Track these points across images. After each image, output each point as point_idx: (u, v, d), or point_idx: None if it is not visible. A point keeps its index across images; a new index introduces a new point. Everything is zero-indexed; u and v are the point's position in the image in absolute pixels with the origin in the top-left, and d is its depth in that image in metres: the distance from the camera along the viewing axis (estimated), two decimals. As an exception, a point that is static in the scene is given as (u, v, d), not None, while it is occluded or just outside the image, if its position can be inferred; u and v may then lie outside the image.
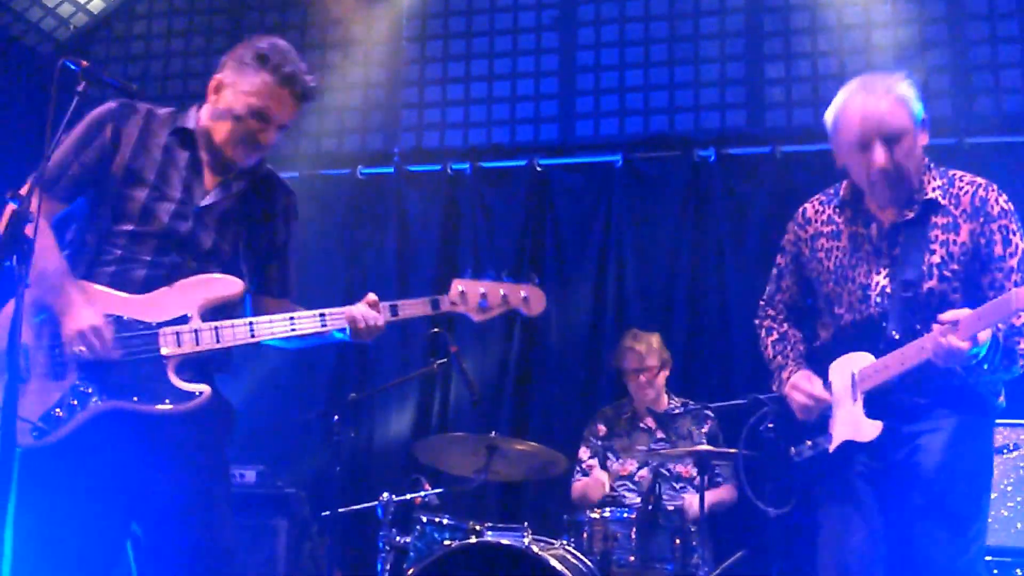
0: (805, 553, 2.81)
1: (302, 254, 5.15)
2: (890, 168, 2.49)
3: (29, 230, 2.03)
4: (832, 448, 2.60)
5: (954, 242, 2.51)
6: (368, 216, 5.46)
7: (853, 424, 2.56)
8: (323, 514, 3.93)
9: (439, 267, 5.28)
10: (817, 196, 2.80)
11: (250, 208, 2.59)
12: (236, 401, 4.93)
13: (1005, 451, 3.95)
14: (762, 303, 2.94)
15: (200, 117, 2.56)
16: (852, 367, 2.58)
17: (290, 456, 4.99)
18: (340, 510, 3.83)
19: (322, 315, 2.52)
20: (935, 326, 2.32)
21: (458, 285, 2.60)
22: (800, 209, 2.81)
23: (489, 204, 5.32)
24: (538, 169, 5.27)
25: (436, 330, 4.13)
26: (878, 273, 2.59)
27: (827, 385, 2.67)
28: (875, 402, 2.52)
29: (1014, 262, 2.47)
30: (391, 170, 5.45)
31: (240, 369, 4.97)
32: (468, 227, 5.32)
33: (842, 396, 2.61)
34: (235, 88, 2.49)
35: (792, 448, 2.71)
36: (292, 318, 2.50)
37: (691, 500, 4.01)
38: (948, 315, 2.30)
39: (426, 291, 5.25)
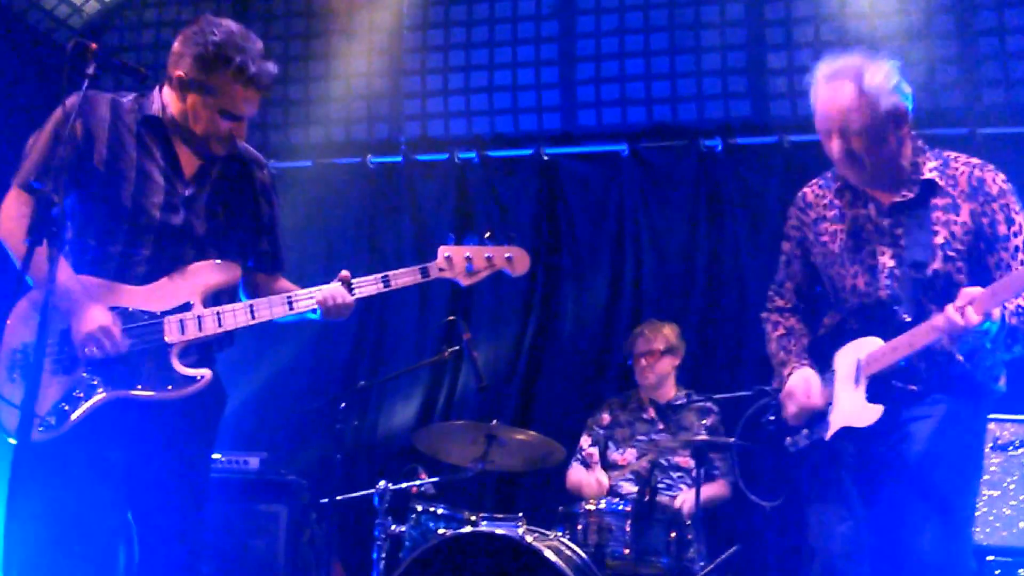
0: (799, 548, 2.79)
1: (324, 244, 5.26)
2: (844, 158, 2.52)
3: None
4: (829, 435, 2.59)
5: (955, 222, 2.50)
6: (383, 205, 5.48)
7: (853, 409, 2.55)
8: (321, 501, 3.95)
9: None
10: (815, 180, 2.80)
11: (231, 188, 2.65)
12: (249, 389, 5.05)
13: (1011, 448, 3.89)
14: (771, 292, 2.92)
15: (166, 103, 2.57)
16: (858, 353, 2.57)
17: (295, 443, 5.03)
18: (338, 498, 3.84)
19: (311, 294, 2.61)
20: (948, 306, 2.29)
21: (444, 251, 2.68)
22: (800, 194, 2.81)
23: (500, 194, 5.32)
24: (545, 158, 5.24)
25: (451, 318, 4.15)
26: (883, 254, 2.58)
27: (831, 372, 2.65)
28: (878, 387, 2.51)
29: (1019, 241, 2.47)
30: (400, 159, 5.45)
31: (255, 357, 5.05)
32: (482, 217, 5.31)
33: (844, 383, 2.60)
34: (201, 89, 2.50)
35: (788, 437, 2.70)
36: (289, 297, 2.59)
37: (684, 499, 3.99)
38: (964, 293, 2.28)
39: (447, 283, 5.27)
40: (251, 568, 4.20)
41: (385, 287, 2.64)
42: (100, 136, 2.51)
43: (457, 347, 3.94)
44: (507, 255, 2.69)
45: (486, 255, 2.68)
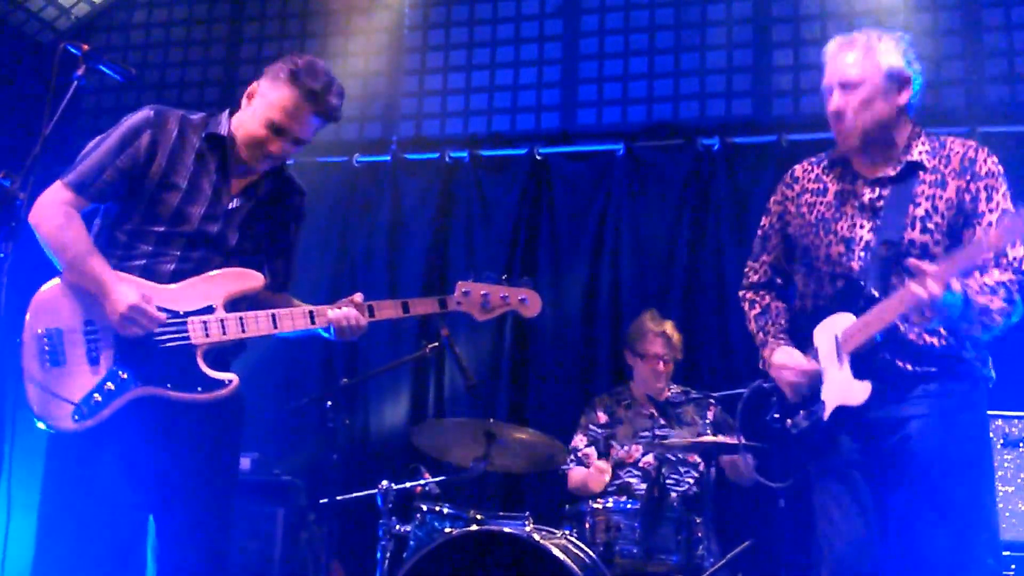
0: (810, 544, 2.73)
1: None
2: (835, 111, 2.56)
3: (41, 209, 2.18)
4: (827, 415, 2.55)
5: (940, 197, 2.51)
6: (362, 205, 5.39)
7: (842, 388, 2.52)
8: (321, 502, 3.85)
9: (431, 257, 5.21)
10: (808, 159, 2.82)
11: (270, 209, 2.75)
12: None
13: (1021, 444, 3.88)
14: (747, 269, 2.91)
15: (232, 123, 2.68)
16: (835, 329, 2.55)
17: (284, 443, 4.92)
18: (338, 498, 3.76)
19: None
20: (910, 280, 2.29)
21: (462, 287, 2.79)
22: (790, 170, 2.83)
23: (486, 193, 5.26)
24: (538, 158, 5.20)
25: None
26: (862, 228, 2.58)
27: (812, 350, 2.63)
28: (862, 363, 2.48)
29: (993, 218, 2.46)
30: (387, 158, 5.38)
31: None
32: (463, 216, 5.25)
33: (828, 361, 2.58)
34: (263, 98, 2.62)
35: (789, 420, 2.66)
36: (311, 311, 2.64)
37: (731, 459, 3.98)
38: (922, 264, 2.27)
39: (416, 281, 5.27)
40: (248, 570, 4.10)
41: (405, 313, 2.72)
42: (163, 149, 2.58)
43: (436, 343, 3.88)
44: (521, 297, 2.81)
45: (502, 295, 2.78)
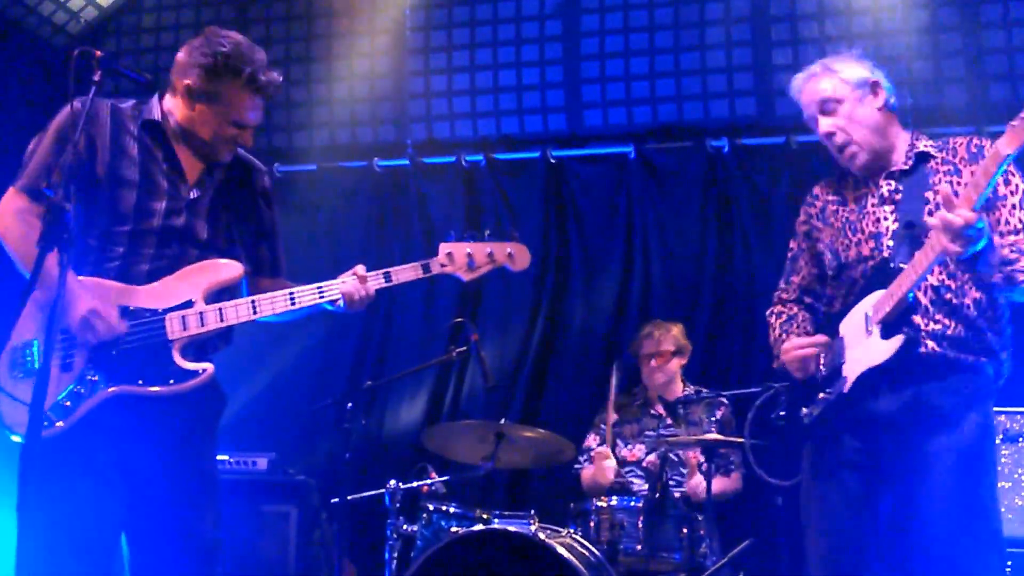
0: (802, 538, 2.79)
1: (330, 248, 5.25)
2: (825, 133, 2.69)
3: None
4: (848, 387, 2.59)
5: (958, 183, 2.58)
6: (390, 209, 5.46)
7: (868, 353, 2.55)
8: (332, 501, 3.94)
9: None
10: (823, 180, 2.91)
11: (233, 194, 2.69)
12: (254, 389, 5.03)
13: (1020, 440, 3.90)
14: (777, 291, 2.97)
15: (168, 109, 2.60)
16: (864, 308, 2.61)
17: (302, 443, 5.01)
18: (348, 497, 3.83)
19: (320, 288, 2.62)
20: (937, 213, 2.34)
21: (445, 248, 2.72)
22: (809, 191, 2.92)
23: (509, 197, 5.31)
24: (552, 161, 5.25)
25: (459, 320, 4.15)
26: (886, 219, 2.66)
27: (839, 339, 2.67)
28: (893, 325, 2.51)
29: (1016, 199, 2.55)
30: (407, 162, 5.44)
31: (260, 357, 5.03)
32: (491, 220, 5.27)
33: (855, 338, 2.62)
34: (211, 99, 2.54)
35: (804, 409, 2.70)
36: (292, 293, 2.59)
37: (696, 482, 3.99)
38: (948, 199, 2.30)
39: (453, 284, 5.29)
40: (261, 569, 4.18)
41: (386, 282, 2.66)
42: (102, 143, 2.52)
43: (464, 347, 3.93)
44: (508, 251, 2.73)
45: (487, 251, 2.71)
